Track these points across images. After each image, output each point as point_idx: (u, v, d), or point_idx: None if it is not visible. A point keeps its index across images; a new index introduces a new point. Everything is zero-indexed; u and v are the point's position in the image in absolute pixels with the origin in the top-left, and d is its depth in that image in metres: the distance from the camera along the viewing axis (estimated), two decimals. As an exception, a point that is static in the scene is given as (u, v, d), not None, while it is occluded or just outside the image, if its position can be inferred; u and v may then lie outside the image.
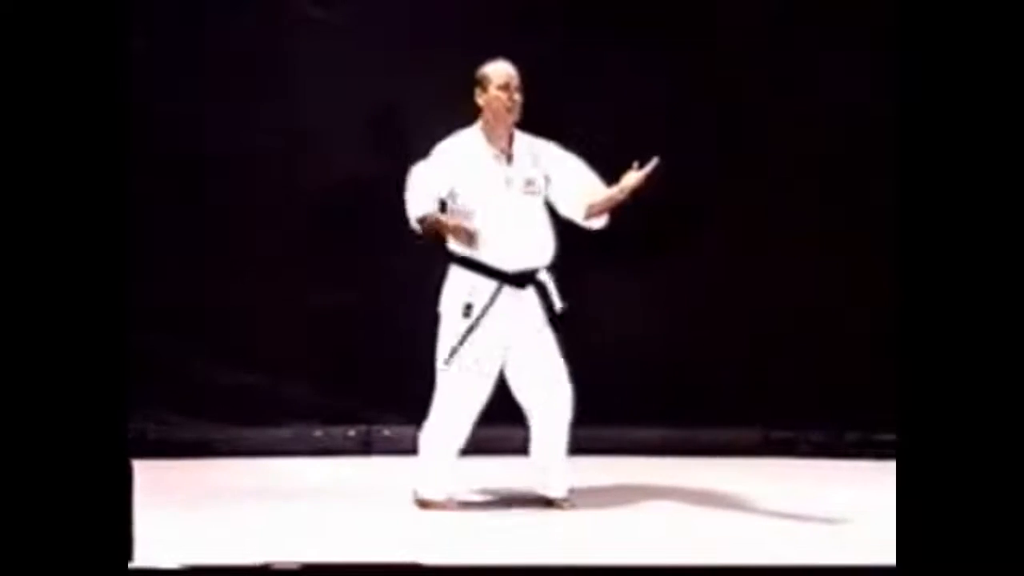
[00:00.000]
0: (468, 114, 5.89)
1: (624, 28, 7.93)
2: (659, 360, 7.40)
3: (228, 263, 7.34)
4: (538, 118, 5.83)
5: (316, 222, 7.52)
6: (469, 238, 5.56)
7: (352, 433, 7.51)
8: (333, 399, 7.51)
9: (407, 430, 7.44)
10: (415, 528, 5.58)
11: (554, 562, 4.90)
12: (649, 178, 5.65)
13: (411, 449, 7.21)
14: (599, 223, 5.81)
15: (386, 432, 7.49)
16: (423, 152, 5.85)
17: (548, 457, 5.77)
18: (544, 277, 5.70)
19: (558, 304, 5.70)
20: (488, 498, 6.03)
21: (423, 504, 5.76)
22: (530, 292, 5.64)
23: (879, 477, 6.08)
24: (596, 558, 5.02)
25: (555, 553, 5.20)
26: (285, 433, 7.42)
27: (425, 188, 5.65)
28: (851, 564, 4.58)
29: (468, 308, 5.58)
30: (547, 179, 5.72)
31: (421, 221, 5.63)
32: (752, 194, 7.63)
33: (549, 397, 5.72)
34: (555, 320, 5.68)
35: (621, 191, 5.67)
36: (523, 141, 5.76)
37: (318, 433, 7.47)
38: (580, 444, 6.03)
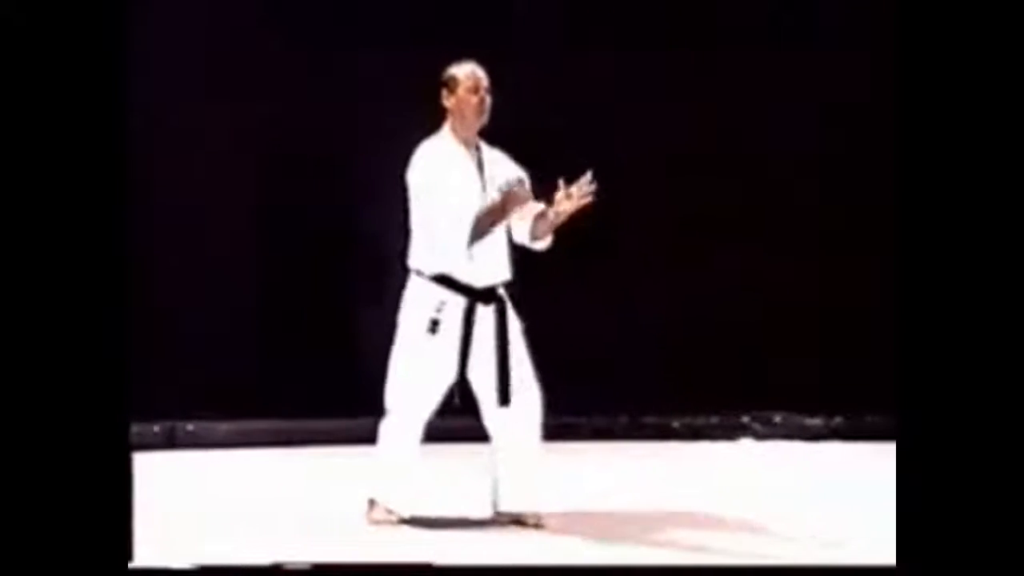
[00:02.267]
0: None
1: (621, 27, 8.10)
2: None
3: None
4: (527, 120, 5.76)
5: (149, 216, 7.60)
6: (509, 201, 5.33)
7: (157, 429, 7.63)
8: (139, 394, 7.59)
9: (210, 425, 7.77)
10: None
11: (553, 562, 4.92)
12: (585, 198, 5.38)
13: (215, 443, 7.59)
14: (544, 245, 5.61)
15: (190, 427, 7.71)
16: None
17: (515, 470, 5.56)
18: (503, 292, 5.53)
19: (517, 321, 5.54)
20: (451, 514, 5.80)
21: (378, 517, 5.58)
22: (491, 308, 5.47)
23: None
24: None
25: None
26: None
27: (461, 205, 5.39)
28: (851, 564, 4.60)
29: (435, 324, 5.39)
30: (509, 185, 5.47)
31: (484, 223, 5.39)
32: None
33: (516, 410, 5.51)
34: (504, 336, 5.47)
35: (557, 215, 5.43)
36: (486, 147, 5.57)
37: None
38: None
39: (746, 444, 8.04)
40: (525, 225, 5.55)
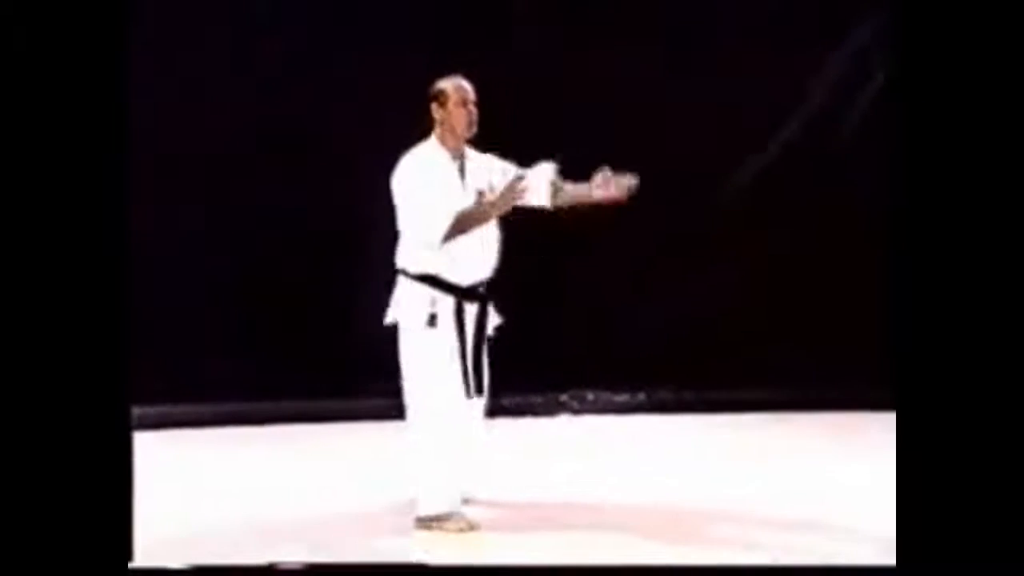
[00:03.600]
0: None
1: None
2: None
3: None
4: (528, 116, 5.84)
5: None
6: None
7: None
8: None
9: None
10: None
11: (553, 562, 4.92)
12: (622, 196, 5.66)
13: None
14: (553, 206, 5.85)
15: None
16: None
17: (473, 458, 5.87)
18: (483, 290, 5.75)
19: (496, 317, 5.82)
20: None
21: (431, 522, 5.60)
22: (475, 304, 5.70)
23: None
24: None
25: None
26: None
27: (439, 204, 5.58)
28: (851, 564, 4.60)
29: (433, 318, 5.59)
30: (492, 189, 5.70)
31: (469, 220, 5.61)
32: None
33: (480, 403, 5.84)
34: (482, 331, 5.71)
35: (589, 196, 5.73)
36: (472, 154, 5.80)
37: None
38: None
39: (564, 419, 9.14)
40: (539, 189, 5.76)
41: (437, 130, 5.72)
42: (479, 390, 5.72)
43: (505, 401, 8.48)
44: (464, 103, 5.67)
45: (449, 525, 5.57)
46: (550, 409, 9.15)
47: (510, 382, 8.10)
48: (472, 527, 5.58)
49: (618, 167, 5.67)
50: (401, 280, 5.70)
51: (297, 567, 4.42)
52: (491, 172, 5.78)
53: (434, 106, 5.70)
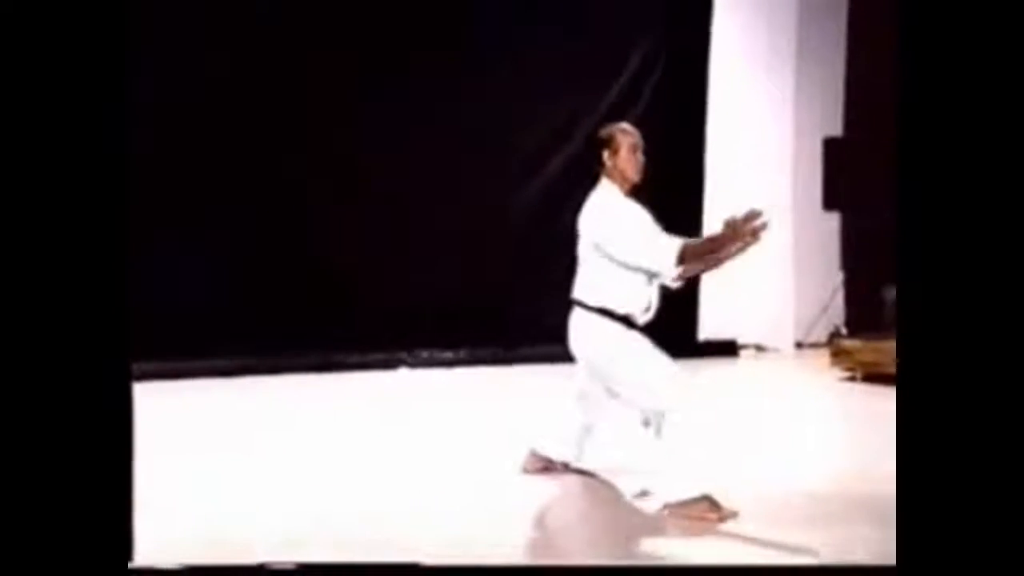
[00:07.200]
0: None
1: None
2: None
3: None
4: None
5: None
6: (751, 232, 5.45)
7: None
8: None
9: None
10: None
11: (554, 561, 4.93)
12: (756, 238, 5.48)
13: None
14: (679, 284, 5.92)
15: None
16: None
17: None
18: None
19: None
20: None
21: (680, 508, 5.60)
22: None
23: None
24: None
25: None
26: None
27: (652, 229, 5.69)
28: (851, 564, 4.61)
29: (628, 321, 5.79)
30: None
31: (682, 257, 5.61)
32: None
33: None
34: None
35: (719, 255, 5.65)
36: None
37: None
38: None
39: (402, 372, 10.53)
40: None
41: (608, 177, 5.79)
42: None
43: (350, 359, 10.25)
44: (635, 150, 5.75)
45: (697, 510, 5.50)
46: (391, 364, 10.45)
47: (354, 339, 10.18)
48: (727, 515, 5.48)
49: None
50: (577, 311, 5.82)
51: (290, 567, 4.41)
52: None
53: (605, 153, 5.75)
